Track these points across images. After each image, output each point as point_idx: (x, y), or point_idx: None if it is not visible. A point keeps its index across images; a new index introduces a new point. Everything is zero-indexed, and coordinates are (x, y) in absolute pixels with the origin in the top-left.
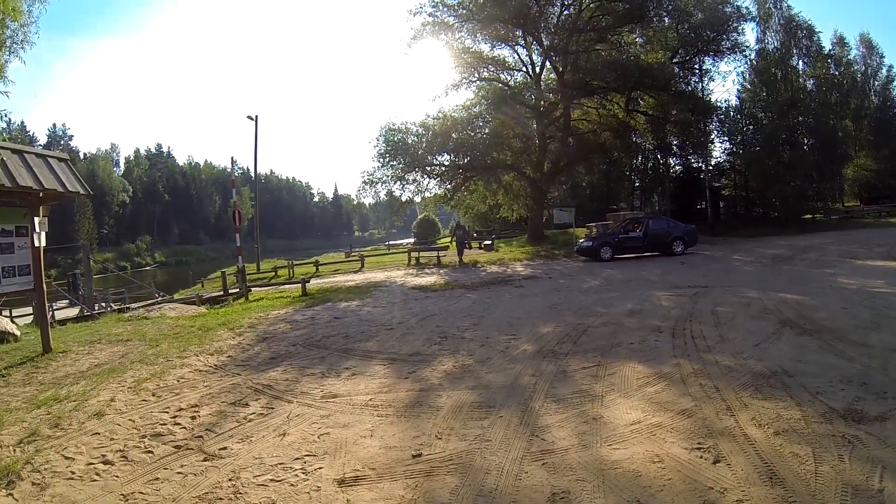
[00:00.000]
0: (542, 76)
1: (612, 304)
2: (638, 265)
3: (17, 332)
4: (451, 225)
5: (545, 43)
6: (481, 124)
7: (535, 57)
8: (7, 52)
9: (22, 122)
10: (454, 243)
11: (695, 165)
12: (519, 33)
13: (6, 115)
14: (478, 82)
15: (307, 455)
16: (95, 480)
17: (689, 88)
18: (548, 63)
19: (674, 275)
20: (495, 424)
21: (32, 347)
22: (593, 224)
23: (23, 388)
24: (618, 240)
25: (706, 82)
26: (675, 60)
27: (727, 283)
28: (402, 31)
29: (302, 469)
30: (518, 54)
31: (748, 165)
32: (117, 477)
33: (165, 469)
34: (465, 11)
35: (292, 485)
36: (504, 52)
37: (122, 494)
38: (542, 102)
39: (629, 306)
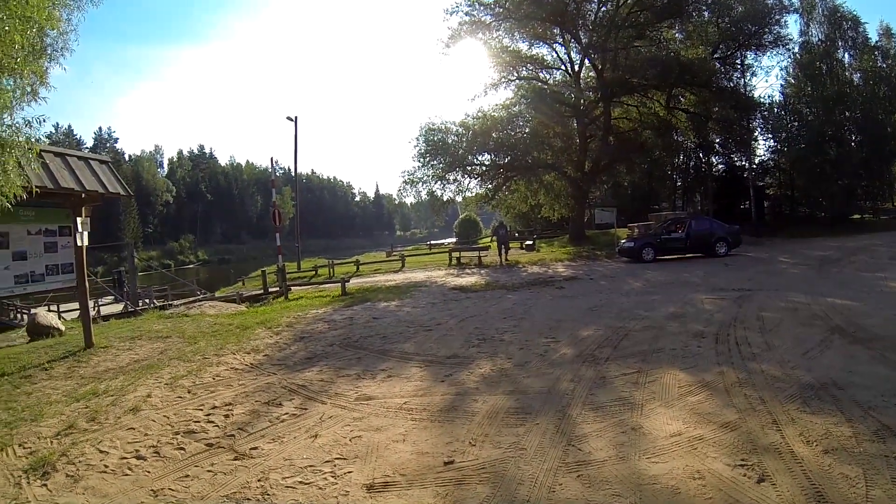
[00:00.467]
0: (582, 74)
1: (653, 307)
2: (680, 267)
3: (62, 327)
4: (493, 224)
5: (583, 40)
6: (521, 123)
7: (573, 55)
8: (48, 60)
9: (69, 126)
10: (496, 243)
11: (738, 164)
12: (557, 31)
13: (45, 120)
14: (517, 81)
15: (338, 458)
16: (127, 475)
17: (731, 84)
18: (587, 61)
19: (717, 277)
20: (531, 432)
21: (75, 342)
22: (635, 224)
23: (64, 382)
24: (660, 240)
25: (748, 78)
26: (716, 56)
27: (773, 286)
28: (439, 31)
29: (331, 472)
30: (556, 52)
31: (793, 163)
32: (149, 472)
33: (196, 466)
34: (501, 10)
35: (320, 488)
36: (542, 51)
37: (151, 490)
38: (581, 101)
39: (671, 310)
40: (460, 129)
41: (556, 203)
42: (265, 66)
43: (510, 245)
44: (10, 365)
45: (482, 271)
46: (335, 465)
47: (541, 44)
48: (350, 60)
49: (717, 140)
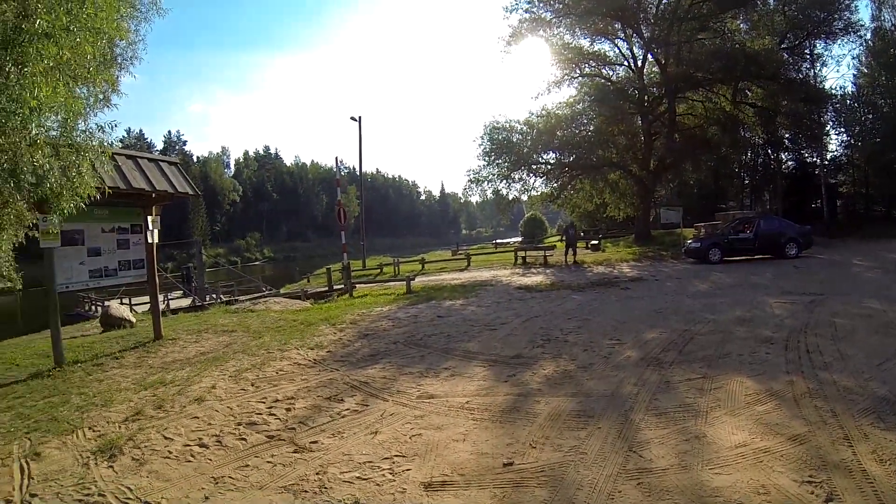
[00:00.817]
0: (645, 70)
1: (720, 310)
2: (748, 268)
3: (133, 320)
4: (559, 224)
5: (645, 35)
6: (585, 121)
7: (636, 50)
8: (118, 69)
9: (139, 130)
10: (564, 243)
11: (808, 160)
12: (618, 26)
13: (117, 125)
14: (579, 78)
15: (397, 455)
16: (190, 461)
17: (800, 76)
18: (649, 56)
19: (787, 280)
20: (592, 436)
21: (145, 334)
22: (701, 224)
23: (133, 371)
24: (727, 241)
25: (818, 68)
26: (783, 46)
27: (846, 290)
28: (501, 29)
29: (390, 469)
30: (619, 48)
31: (868, 159)
32: (210, 460)
33: (256, 457)
34: (561, 6)
35: (378, 484)
36: (604, 47)
37: (212, 477)
38: (645, 97)
39: (739, 313)
40: (524, 128)
41: (622, 202)
42: (329, 67)
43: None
44: (83, 353)
45: (547, 271)
46: (394, 462)
47: (602, 39)
48: (414, 59)
49: (787, 135)
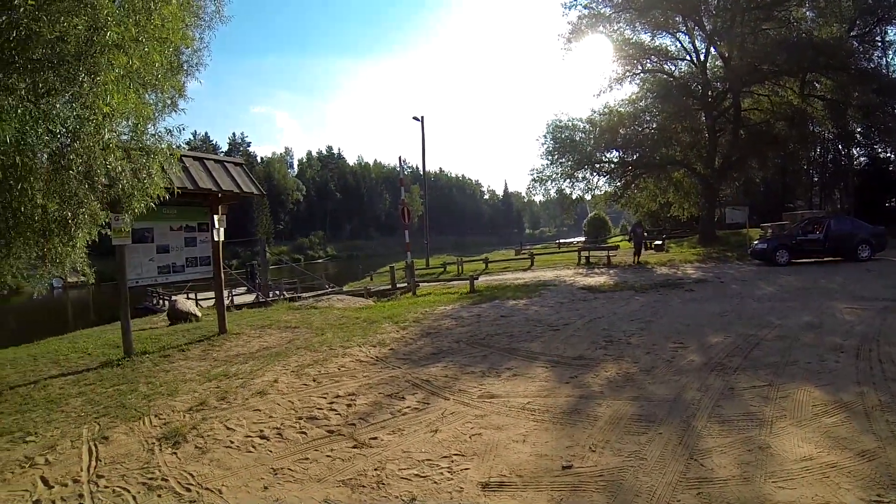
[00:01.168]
0: (708, 64)
1: (787, 314)
2: (817, 271)
3: (199, 314)
4: (622, 224)
5: (708, 27)
6: (648, 119)
7: (698, 43)
8: (184, 75)
9: (205, 133)
10: (632, 242)
11: (882, 156)
12: (679, 19)
13: (184, 128)
14: (641, 75)
15: (456, 454)
16: (250, 452)
17: (872, 65)
18: (713, 49)
19: (859, 284)
20: (653, 441)
21: (210, 328)
22: (768, 224)
23: (198, 363)
24: (795, 242)
25: (891, 56)
26: (852, 34)
27: None
28: (560, 26)
29: (448, 468)
30: (680, 42)
31: None
32: (271, 452)
33: (316, 451)
34: (620, 0)
35: (435, 482)
36: (666, 41)
37: (272, 468)
38: (709, 92)
39: (807, 319)
40: (587, 126)
41: (686, 201)
42: (392, 69)
43: (646, 245)
44: (151, 345)
45: (611, 271)
46: (452, 461)
47: (663, 34)
48: (476, 58)
49: (858, 129)
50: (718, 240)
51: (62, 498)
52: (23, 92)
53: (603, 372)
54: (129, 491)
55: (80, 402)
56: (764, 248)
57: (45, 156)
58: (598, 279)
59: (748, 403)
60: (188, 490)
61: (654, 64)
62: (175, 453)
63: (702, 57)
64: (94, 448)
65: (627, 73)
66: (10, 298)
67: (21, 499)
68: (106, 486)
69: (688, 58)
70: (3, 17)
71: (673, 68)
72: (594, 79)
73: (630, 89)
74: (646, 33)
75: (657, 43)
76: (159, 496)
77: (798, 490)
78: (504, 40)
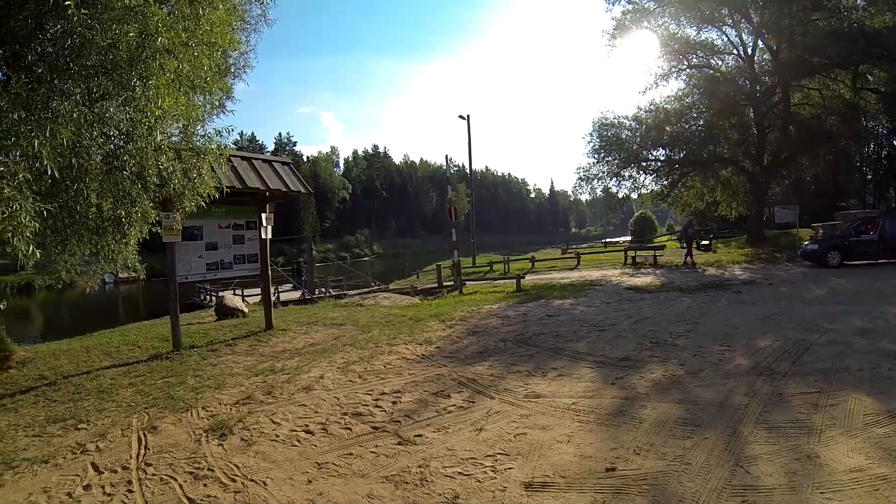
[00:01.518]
0: (756, 58)
1: (839, 319)
2: (871, 274)
3: (245, 310)
4: (668, 223)
5: (755, 20)
6: (695, 115)
7: (745, 37)
8: (231, 77)
9: (252, 133)
10: (683, 242)
11: None
12: (725, 12)
13: (233, 129)
14: (687, 70)
15: (500, 453)
16: (295, 446)
17: None
18: (760, 42)
19: None
20: (698, 446)
21: (257, 324)
22: (819, 224)
23: (245, 358)
24: (847, 243)
25: None
26: None
27: None
28: (604, 23)
29: (492, 467)
30: (727, 35)
31: None
32: (315, 446)
33: (360, 447)
34: None
35: (479, 481)
36: (711, 35)
37: (316, 462)
38: (757, 87)
39: (859, 324)
40: (633, 124)
41: (734, 200)
42: (437, 68)
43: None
44: (199, 339)
45: (657, 271)
46: (496, 460)
47: (709, 28)
48: (521, 57)
49: None
50: (767, 240)
51: (111, 484)
52: (78, 97)
53: (648, 374)
54: (175, 479)
55: (130, 392)
56: (815, 249)
57: (100, 157)
58: (645, 279)
59: (797, 410)
60: (233, 481)
61: (700, 59)
62: (221, 445)
63: (749, 51)
64: (143, 437)
65: (673, 69)
66: (65, 293)
67: (72, 483)
68: (154, 474)
69: (735, 52)
70: (58, 26)
71: (719, 63)
72: (640, 75)
73: (676, 85)
74: (691, 27)
75: (703, 37)
76: (205, 486)
77: (846, 502)
78: (549, 38)
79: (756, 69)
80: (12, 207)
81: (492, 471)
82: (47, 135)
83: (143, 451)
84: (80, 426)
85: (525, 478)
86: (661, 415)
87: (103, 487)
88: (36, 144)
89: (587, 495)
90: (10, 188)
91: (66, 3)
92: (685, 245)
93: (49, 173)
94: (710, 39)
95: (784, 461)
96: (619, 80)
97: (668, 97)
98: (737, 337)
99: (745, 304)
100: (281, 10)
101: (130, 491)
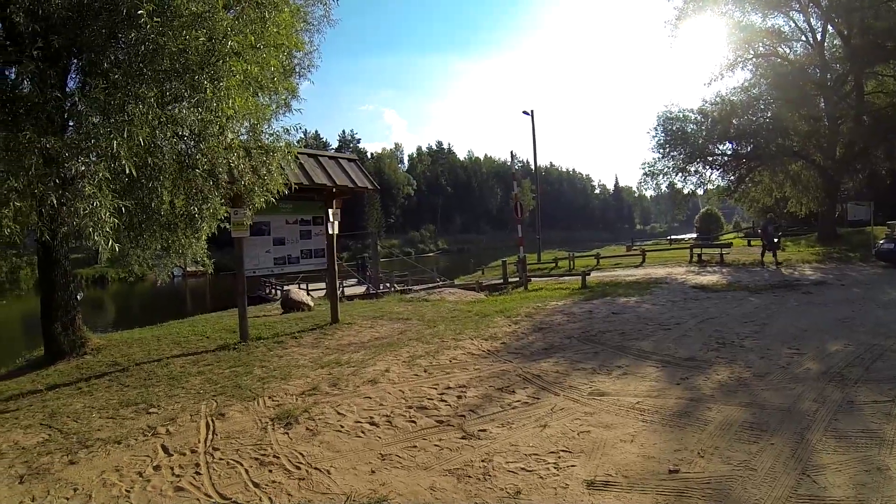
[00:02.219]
0: (826, 44)
1: None
2: None
3: (311, 303)
4: (735, 220)
5: (823, 3)
6: (762, 107)
7: (813, 22)
8: (297, 77)
9: (316, 131)
10: (762, 241)
11: None
12: None
13: (300, 127)
14: (753, 60)
15: (563, 450)
16: (360, 437)
17: None
18: (830, 27)
19: None
20: (764, 451)
21: (322, 317)
22: (895, 222)
23: (310, 350)
24: None
25: None
26: None
27: None
28: (666, 12)
29: (555, 463)
30: (794, 21)
31: None
32: (379, 438)
33: (424, 440)
34: None
35: (541, 477)
36: (778, 22)
37: (380, 454)
38: (828, 75)
39: None
40: (699, 117)
41: (804, 196)
42: (500, 64)
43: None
44: (266, 331)
45: (724, 270)
46: (559, 457)
47: (775, 13)
48: (585, 50)
49: None
50: (839, 238)
51: (180, 465)
52: (152, 100)
53: (714, 375)
54: (241, 464)
55: (199, 380)
56: (891, 248)
57: (173, 156)
58: (711, 278)
59: (868, 419)
60: (298, 468)
61: (767, 47)
62: (287, 433)
63: (818, 37)
64: (211, 423)
65: (739, 59)
66: (136, 285)
67: (143, 463)
68: (220, 459)
69: (803, 38)
70: (132, 34)
71: (787, 51)
72: (705, 67)
73: (742, 76)
74: (756, 14)
75: (769, 24)
76: (270, 472)
77: None
78: (611, 31)
79: (826, 56)
80: (93, 204)
81: (554, 467)
82: (125, 136)
83: (210, 437)
84: (151, 410)
85: (587, 476)
86: (726, 417)
87: (172, 469)
88: (114, 145)
89: (649, 496)
90: (90, 186)
91: (139, 12)
92: (767, 245)
93: (127, 172)
94: (776, 26)
95: (853, 472)
96: (683, 72)
97: (735, 88)
98: (806, 340)
99: (816, 306)
100: (341, 10)
101: (198, 473)
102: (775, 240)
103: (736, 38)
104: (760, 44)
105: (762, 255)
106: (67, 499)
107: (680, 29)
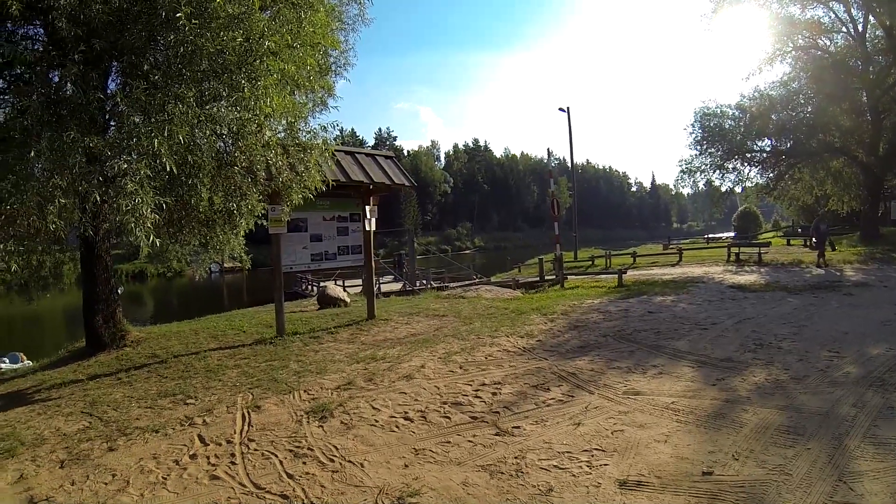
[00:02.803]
0: (867, 35)
1: None
2: None
3: (347, 300)
4: (774, 218)
5: None
6: (802, 102)
7: (854, 12)
8: (332, 75)
9: (352, 129)
10: (815, 241)
11: None
12: None
13: (337, 125)
14: (793, 53)
15: (596, 449)
16: (394, 431)
17: None
18: (871, 18)
19: None
20: (800, 456)
21: (358, 313)
22: None
23: (347, 345)
24: None
25: None
26: None
27: None
28: (702, 4)
29: (587, 462)
30: (834, 12)
31: None
32: (413, 433)
33: (458, 435)
34: None
35: (574, 475)
36: (818, 13)
37: (414, 448)
38: (870, 68)
39: None
40: (737, 113)
41: (845, 194)
42: (535, 61)
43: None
44: (302, 326)
45: (762, 269)
46: (592, 456)
47: (815, 4)
48: (620, 47)
49: None
50: (883, 238)
51: (216, 455)
52: (191, 100)
53: (751, 377)
54: (276, 456)
55: (235, 373)
56: None
57: (212, 154)
58: (749, 277)
59: None
60: (332, 461)
61: (807, 39)
62: (321, 427)
63: (859, 28)
64: (247, 414)
65: (777, 52)
66: (174, 280)
67: (179, 451)
68: (256, 450)
69: (843, 30)
70: (171, 37)
71: (827, 43)
72: (743, 61)
73: (781, 69)
74: (794, 5)
75: (808, 15)
76: (304, 463)
77: None
78: (646, 26)
79: (868, 48)
80: (135, 201)
81: (587, 466)
82: (165, 135)
83: (246, 428)
84: (188, 401)
85: (620, 475)
86: (762, 420)
87: (208, 458)
88: (155, 144)
89: (682, 498)
90: (132, 184)
91: (178, 15)
92: (816, 244)
93: (167, 170)
94: (816, 17)
95: (892, 480)
96: (721, 66)
97: (773, 82)
98: (847, 343)
99: (857, 308)
100: (375, 9)
101: (233, 463)
102: (828, 239)
103: (775, 31)
104: (800, 36)
105: (820, 255)
106: (106, 484)
107: (716, 22)
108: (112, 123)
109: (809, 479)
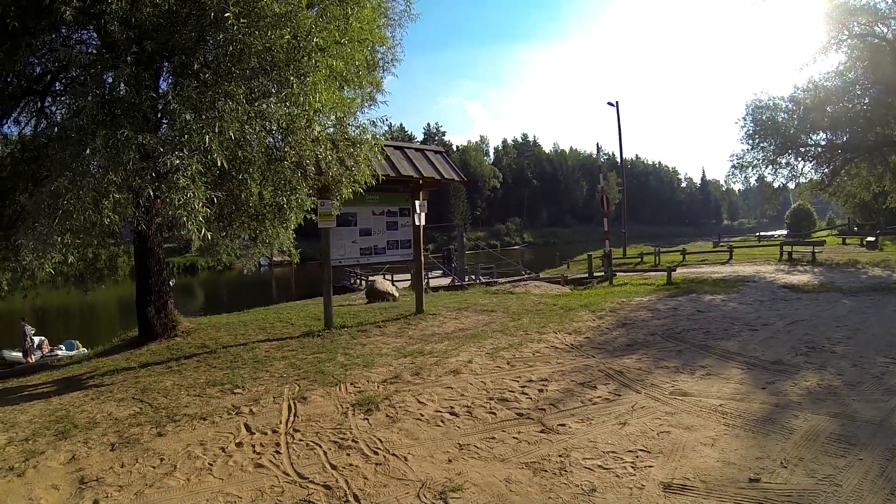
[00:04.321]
0: None
1: None
2: None
3: (396, 294)
4: (829, 216)
5: None
6: (859, 93)
7: None
8: (380, 71)
9: (400, 124)
10: None
11: None
12: None
13: (387, 120)
14: (848, 41)
15: (641, 450)
16: (439, 426)
17: None
18: None
19: None
20: (851, 467)
21: (407, 307)
22: None
23: (394, 339)
24: None
25: None
26: None
27: None
28: None
29: (632, 463)
30: None
31: None
32: (458, 428)
33: (503, 431)
34: None
35: (618, 476)
36: None
37: (458, 443)
38: None
39: None
40: (790, 105)
41: None
42: (583, 55)
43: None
44: (350, 320)
45: (816, 269)
46: (637, 457)
47: None
48: (670, 39)
49: None
50: None
51: (261, 444)
52: (241, 97)
53: (802, 381)
54: (321, 446)
55: (282, 364)
56: None
57: (261, 150)
58: (802, 277)
59: None
60: (375, 454)
61: (863, 27)
62: (367, 419)
63: None
64: (293, 405)
65: (832, 41)
66: (224, 273)
67: (226, 439)
68: (300, 440)
69: None
70: (220, 36)
71: (885, 31)
72: (796, 51)
73: (837, 59)
74: None
75: (864, 1)
76: (348, 455)
77: None
78: (696, 16)
79: None
80: (187, 195)
81: (631, 467)
82: (216, 131)
83: (292, 418)
84: (235, 391)
85: (664, 478)
86: (812, 427)
87: (254, 447)
88: (206, 140)
89: None
90: (184, 179)
91: (226, 15)
92: None
93: (218, 165)
94: (872, 3)
95: None
96: (773, 58)
97: (828, 73)
98: None
99: None
100: (420, 5)
101: (278, 452)
102: None
103: (828, 19)
104: (855, 23)
105: None
106: (154, 467)
107: (762, 10)
108: (164, 121)
109: (860, 492)
